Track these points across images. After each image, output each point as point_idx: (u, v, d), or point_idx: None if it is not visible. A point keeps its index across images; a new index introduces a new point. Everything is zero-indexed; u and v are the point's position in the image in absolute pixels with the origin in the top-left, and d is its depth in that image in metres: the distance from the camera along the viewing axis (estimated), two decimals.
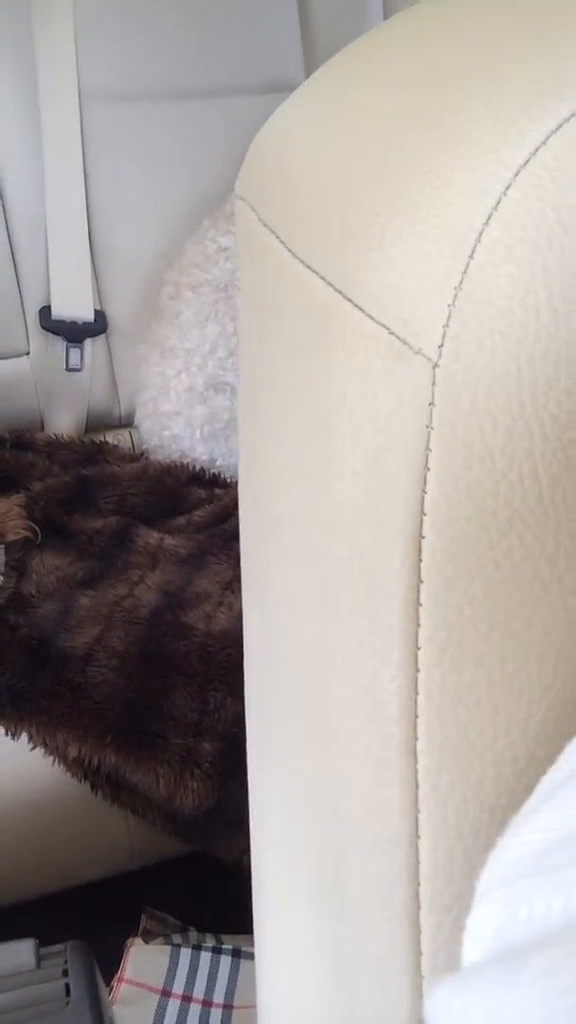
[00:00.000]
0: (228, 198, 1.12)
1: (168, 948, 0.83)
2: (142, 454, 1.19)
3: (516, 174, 0.21)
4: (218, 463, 1.15)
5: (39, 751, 0.80)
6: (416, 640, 0.21)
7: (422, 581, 0.21)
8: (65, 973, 0.47)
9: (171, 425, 1.14)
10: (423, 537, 0.21)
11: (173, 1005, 0.78)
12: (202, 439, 1.13)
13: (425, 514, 0.21)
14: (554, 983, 0.13)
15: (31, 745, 0.80)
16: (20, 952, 0.47)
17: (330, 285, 0.23)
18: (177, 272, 1.13)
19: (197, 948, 0.83)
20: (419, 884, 0.22)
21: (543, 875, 0.15)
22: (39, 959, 0.48)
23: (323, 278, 0.24)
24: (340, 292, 0.23)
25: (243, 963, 0.82)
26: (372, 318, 0.22)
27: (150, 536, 1.00)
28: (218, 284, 1.10)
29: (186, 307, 1.11)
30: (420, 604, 0.21)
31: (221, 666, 0.82)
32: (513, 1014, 0.13)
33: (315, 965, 0.30)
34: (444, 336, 0.20)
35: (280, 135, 0.33)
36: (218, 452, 1.15)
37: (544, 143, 0.21)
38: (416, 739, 0.21)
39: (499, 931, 0.15)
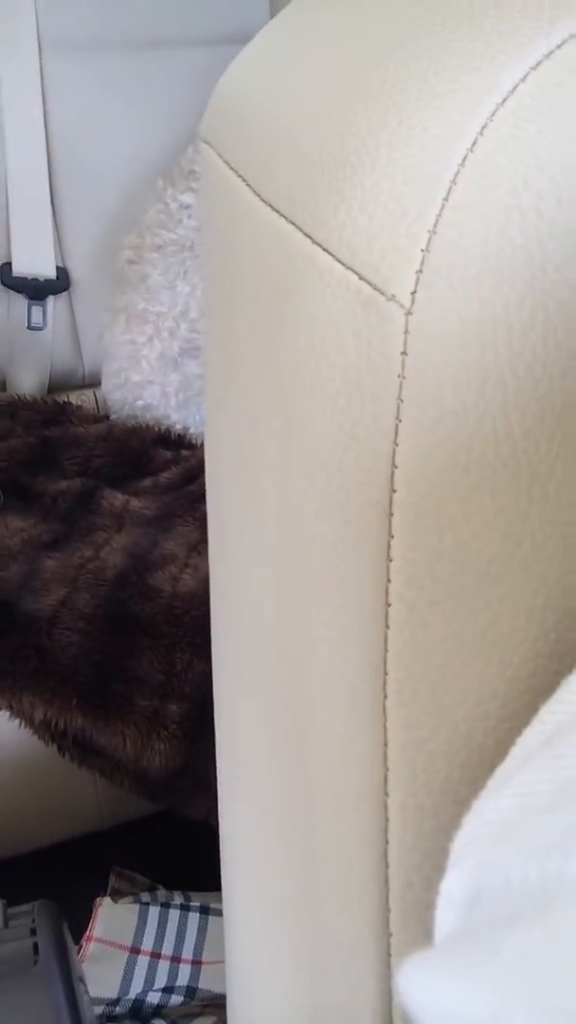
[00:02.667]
0: (184, 156, 1.09)
1: (137, 906, 0.83)
2: (106, 415, 1.17)
3: (493, 113, 0.20)
4: (191, 431, 1.13)
5: (5, 714, 0.79)
6: (386, 596, 0.21)
7: (392, 536, 0.20)
8: (33, 932, 0.46)
9: (143, 395, 1.12)
10: (394, 491, 0.20)
11: (142, 962, 0.79)
12: (176, 407, 1.11)
13: (396, 467, 0.20)
14: (531, 966, 0.12)
15: None
16: None
17: (299, 229, 0.22)
18: (138, 235, 1.10)
19: (165, 906, 0.84)
20: (387, 842, 0.22)
21: (519, 842, 0.15)
22: (7, 919, 0.47)
23: (291, 221, 0.23)
24: (309, 236, 0.22)
25: (211, 919, 0.83)
26: (341, 263, 0.21)
27: (115, 498, 0.98)
28: (184, 243, 1.07)
29: (153, 269, 1.08)
30: (390, 560, 0.20)
31: (188, 627, 0.81)
32: (489, 998, 0.13)
33: (284, 923, 0.30)
34: (417, 282, 0.19)
35: (246, 77, 0.32)
36: (191, 419, 1.13)
37: (523, 80, 0.20)
38: (385, 696, 0.21)
39: (473, 900, 0.15)
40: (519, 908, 0.14)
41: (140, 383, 1.11)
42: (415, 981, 0.14)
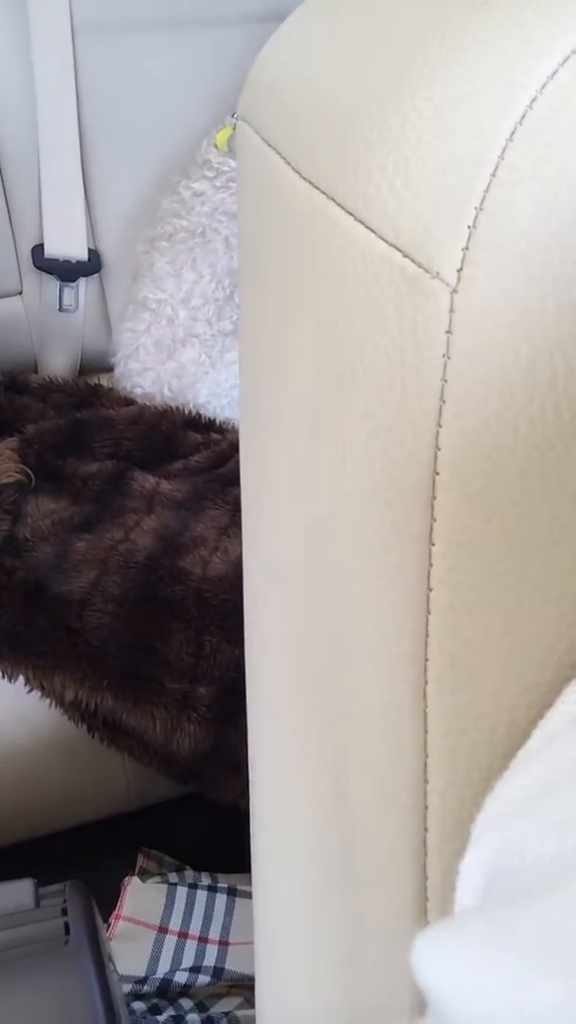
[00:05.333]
0: (199, 147, 1.09)
1: (164, 887, 0.84)
2: None
3: (543, 86, 0.19)
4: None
5: (36, 694, 0.80)
6: (428, 581, 0.20)
7: (435, 520, 0.20)
8: (64, 912, 0.47)
9: (142, 383, 1.13)
10: (437, 474, 0.20)
11: (170, 941, 0.80)
12: (171, 395, 1.12)
13: (439, 449, 0.20)
14: (550, 936, 0.12)
15: (28, 688, 0.80)
16: (20, 892, 0.47)
17: (340, 206, 0.22)
18: (152, 227, 1.11)
19: (193, 886, 0.84)
20: (426, 830, 0.21)
21: (536, 819, 0.15)
22: (38, 898, 0.48)
23: (331, 198, 0.22)
24: (350, 213, 0.21)
25: (239, 901, 0.84)
26: (384, 240, 0.20)
27: (146, 480, 0.99)
28: (195, 230, 1.07)
29: (160, 257, 1.09)
30: (432, 544, 0.20)
31: (217, 611, 0.81)
32: (508, 969, 0.12)
33: (316, 906, 0.30)
34: (463, 260, 0.19)
35: (284, 54, 0.31)
36: (188, 407, 1.13)
37: (574, 52, 0.19)
38: (426, 683, 0.21)
39: (491, 876, 0.15)
40: (534, 882, 0.14)
41: (138, 370, 1.12)
42: (427, 957, 0.14)
